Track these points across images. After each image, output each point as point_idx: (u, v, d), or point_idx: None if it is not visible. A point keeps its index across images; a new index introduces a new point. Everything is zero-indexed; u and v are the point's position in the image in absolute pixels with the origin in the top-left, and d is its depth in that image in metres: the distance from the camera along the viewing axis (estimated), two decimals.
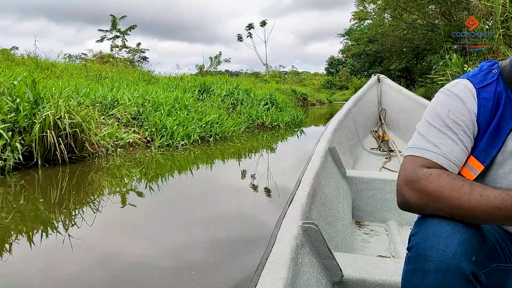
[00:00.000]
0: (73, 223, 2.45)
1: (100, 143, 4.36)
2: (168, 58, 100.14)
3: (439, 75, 8.36)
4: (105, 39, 31.23)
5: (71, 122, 3.88)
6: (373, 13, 18.88)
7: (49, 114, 3.67)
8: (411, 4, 15.24)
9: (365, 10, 20.42)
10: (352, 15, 23.00)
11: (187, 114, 6.62)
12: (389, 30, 16.39)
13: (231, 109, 9.10)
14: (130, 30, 31.61)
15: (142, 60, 33.19)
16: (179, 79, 11.53)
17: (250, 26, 33.37)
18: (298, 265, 0.88)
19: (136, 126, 5.59)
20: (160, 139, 5.38)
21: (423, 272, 0.68)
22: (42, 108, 3.86)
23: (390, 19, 17.26)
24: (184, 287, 1.66)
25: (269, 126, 8.83)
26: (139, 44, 30.85)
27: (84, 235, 2.18)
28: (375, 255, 1.53)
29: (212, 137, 6.27)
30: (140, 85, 8.34)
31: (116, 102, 5.83)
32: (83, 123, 3.92)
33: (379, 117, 4.04)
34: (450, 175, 0.72)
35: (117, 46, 30.05)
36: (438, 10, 14.60)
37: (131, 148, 5.12)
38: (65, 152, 3.90)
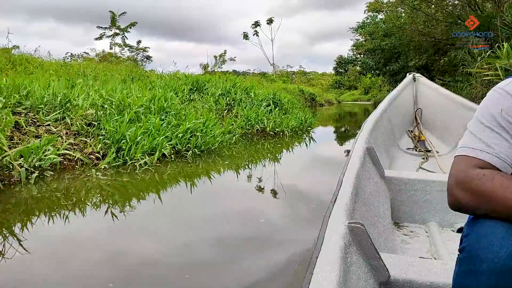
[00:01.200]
0: None
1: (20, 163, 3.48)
2: (176, 58, 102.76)
3: (483, 69, 7.68)
4: (104, 36, 29.91)
5: None
6: (390, 4, 16.99)
7: None
8: None
9: (380, 1, 18.49)
10: (366, 6, 21.12)
11: (163, 119, 5.62)
12: (408, 21, 14.54)
13: (226, 111, 8.26)
14: (130, 27, 30.68)
15: (146, 59, 33.30)
16: (170, 76, 10.70)
17: (256, 24, 33.18)
18: (347, 264, 0.90)
19: (90, 136, 4.63)
20: (115, 154, 4.35)
21: (476, 274, 0.69)
22: None
23: (408, 11, 15.36)
24: None
25: (271, 132, 7.85)
26: (139, 42, 29.97)
27: None
28: (416, 257, 1.45)
29: (190, 151, 5.19)
30: (118, 83, 7.38)
31: (69, 103, 4.94)
32: None
33: (415, 116, 4.07)
34: (503, 175, 0.74)
35: (116, 44, 28.58)
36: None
37: (72, 169, 4.04)
38: None
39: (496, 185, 0.72)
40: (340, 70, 51.22)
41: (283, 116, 8.55)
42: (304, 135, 8.33)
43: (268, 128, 7.66)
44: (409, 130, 4.00)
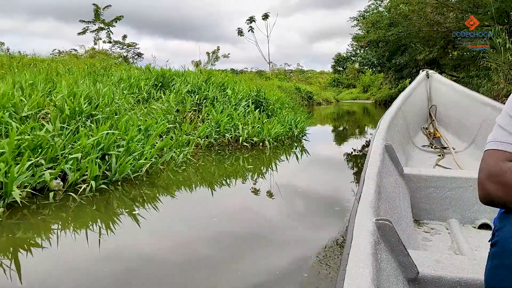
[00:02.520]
0: None
1: None
2: (177, 58, 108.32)
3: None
4: (88, 31, 28.21)
5: None
6: None
7: None
8: None
9: None
10: None
11: (64, 128, 3.90)
12: (418, 7, 12.49)
13: (193, 113, 6.66)
14: (116, 21, 28.96)
15: (137, 56, 31.79)
16: (141, 70, 9.36)
17: (251, 20, 32.33)
18: (378, 261, 0.95)
19: None
20: None
21: (510, 267, 0.71)
22: None
23: None
24: None
25: (246, 143, 6.14)
26: (125, 36, 28.00)
27: None
28: (442, 253, 1.67)
29: (88, 185, 3.28)
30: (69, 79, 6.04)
31: None
32: None
33: (429, 113, 4.11)
34: None
35: (100, 39, 26.99)
36: None
37: None
38: None
39: None
40: (339, 68, 51.58)
41: (265, 120, 6.45)
42: (295, 144, 7.12)
43: (242, 138, 5.60)
44: (424, 127, 4.04)
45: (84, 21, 29.99)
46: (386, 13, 19.77)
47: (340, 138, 9.54)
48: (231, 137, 6.10)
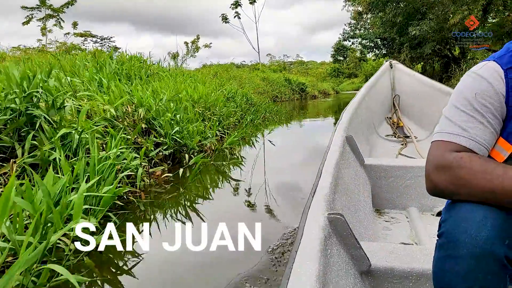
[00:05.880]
0: None
1: None
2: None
3: None
4: (34, 19, 23.68)
5: None
6: None
7: None
8: None
9: None
10: None
11: None
12: None
13: None
14: (67, 7, 23.61)
15: (114, 50, 25.10)
16: None
17: (236, 4, 28.44)
18: (328, 257, 0.96)
19: None
20: None
21: (456, 258, 0.72)
22: None
23: None
24: None
25: None
26: (75, 24, 23.15)
27: None
28: (397, 243, 1.70)
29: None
30: None
31: None
32: None
33: (393, 103, 4.24)
34: (481, 158, 0.79)
35: (45, 28, 22.35)
36: None
37: None
38: None
39: (474, 168, 0.76)
40: (339, 58, 48.17)
41: None
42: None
43: None
44: (388, 117, 4.12)
45: (26, 7, 25.41)
46: None
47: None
48: None
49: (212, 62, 23.80)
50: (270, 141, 5.94)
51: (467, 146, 0.79)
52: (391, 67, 4.46)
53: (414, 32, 13.70)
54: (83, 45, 25.08)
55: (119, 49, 30.32)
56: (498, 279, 0.70)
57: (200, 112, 5.67)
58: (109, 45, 29.99)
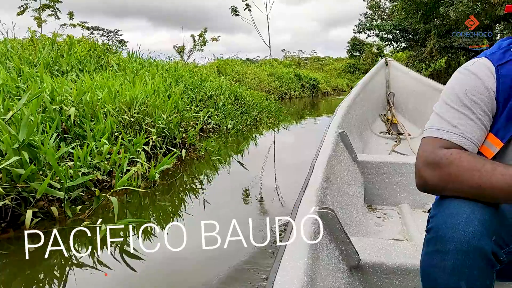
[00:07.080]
0: None
1: None
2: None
3: None
4: (29, 9, 23.38)
5: None
6: None
7: None
8: None
9: None
10: None
11: None
12: None
13: None
14: None
15: (120, 44, 26.92)
16: None
17: None
18: (317, 251, 0.97)
19: None
20: None
21: (443, 253, 0.73)
22: None
23: None
24: None
25: None
26: (71, 14, 21.93)
27: None
28: (388, 239, 1.73)
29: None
30: None
31: None
32: None
33: (388, 100, 4.29)
34: (470, 154, 0.79)
35: (39, 18, 21.33)
36: None
37: None
38: None
39: (463, 164, 0.76)
40: (355, 53, 45.74)
41: None
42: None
43: None
44: (382, 114, 4.16)
45: None
46: None
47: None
48: None
49: (222, 56, 22.42)
50: (240, 163, 4.34)
51: (457, 143, 0.81)
52: (386, 64, 4.51)
53: (449, 12, 10.97)
54: (90, 38, 24.06)
55: (126, 42, 29.25)
56: (484, 275, 0.71)
57: (133, 120, 3.90)
58: (116, 38, 29.04)
